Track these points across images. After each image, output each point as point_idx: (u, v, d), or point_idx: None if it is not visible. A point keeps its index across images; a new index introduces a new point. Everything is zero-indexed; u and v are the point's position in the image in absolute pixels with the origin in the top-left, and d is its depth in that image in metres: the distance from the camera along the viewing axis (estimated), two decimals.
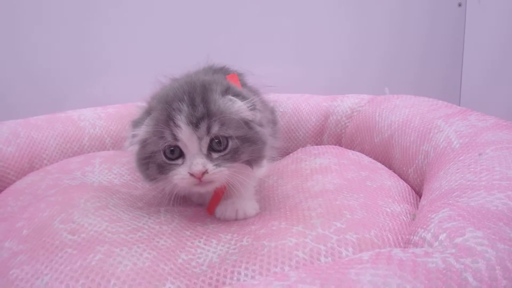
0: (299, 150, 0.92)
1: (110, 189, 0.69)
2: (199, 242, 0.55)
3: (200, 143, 0.56)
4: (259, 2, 1.37)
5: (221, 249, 0.54)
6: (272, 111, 0.89)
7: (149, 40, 1.27)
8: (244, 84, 0.80)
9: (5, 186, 0.81)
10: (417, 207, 0.67)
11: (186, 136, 0.55)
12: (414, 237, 0.42)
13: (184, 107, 0.56)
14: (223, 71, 0.82)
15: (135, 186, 0.75)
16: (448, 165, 0.57)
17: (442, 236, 0.37)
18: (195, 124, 0.55)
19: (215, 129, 0.56)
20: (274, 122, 0.84)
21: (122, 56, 1.26)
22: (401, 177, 0.78)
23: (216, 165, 0.56)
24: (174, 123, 0.55)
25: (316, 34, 1.45)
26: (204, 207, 0.69)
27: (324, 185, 0.68)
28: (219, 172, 0.57)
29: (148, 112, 0.60)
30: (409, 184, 0.75)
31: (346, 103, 1.04)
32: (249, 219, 0.62)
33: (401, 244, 0.52)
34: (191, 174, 0.56)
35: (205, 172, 0.55)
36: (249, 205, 0.65)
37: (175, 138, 0.56)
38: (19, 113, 0.96)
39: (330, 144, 1.01)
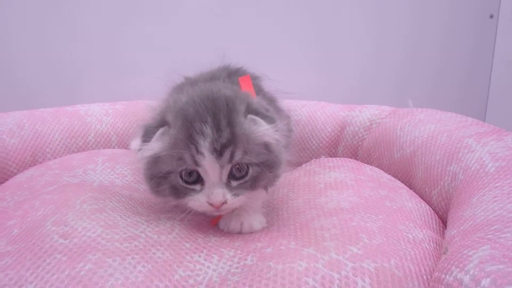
0: (312, 161, 0.86)
1: (110, 190, 0.65)
2: (199, 256, 0.50)
3: (221, 171, 0.52)
4: (276, 6, 1.32)
5: (223, 267, 0.49)
6: (288, 119, 0.84)
7: (161, 37, 1.24)
8: (260, 89, 0.76)
9: (6, 178, 0.78)
10: (441, 234, 0.62)
11: (208, 164, 0.50)
12: (447, 277, 0.36)
13: (208, 131, 0.50)
14: (239, 73, 0.77)
15: (136, 188, 0.71)
16: (482, 191, 0.51)
17: (485, 282, 0.31)
18: (219, 152, 0.50)
19: (238, 156, 0.51)
20: (289, 131, 0.79)
21: (132, 53, 1.23)
22: (422, 198, 0.72)
23: (234, 194, 0.53)
24: (197, 149, 0.50)
25: (336, 41, 1.40)
26: (206, 215, 0.65)
27: (339, 203, 0.63)
28: (238, 201, 0.53)
29: (161, 123, 0.53)
30: (431, 207, 0.69)
31: (365, 114, 0.98)
32: (255, 235, 0.57)
33: (425, 277, 0.46)
34: (210, 203, 0.52)
35: (224, 202, 0.52)
36: (255, 218, 0.60)
37: (196, 163, 0.50)
38: (26, 105, 0.93)
39: (345, 157, 0.96)
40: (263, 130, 0.53)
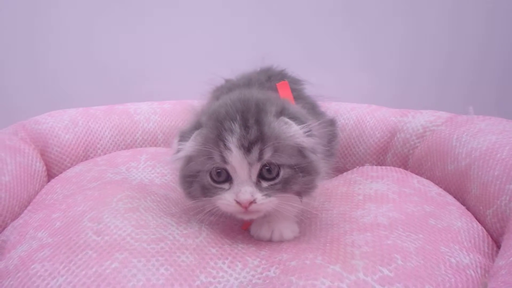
0: (355, 169, 0.82)
1: (147, 189, 0.67)
2: (223, 263, 0.50)
3: (250, 169, 0.51)
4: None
5: (245, 276, 0.48)
6: (332, 123, 0.81)
7: (208, 38, 1.25)
8: (300, 94, 0.73)
9: (60, 171, 0.84)
10: (493, 260, 0.56)
11: (236, 160, 0.51)
12: None
13: (236, 128, 0.51)
14: (280, 75, 0.76)
15: (174, 188, 0.72)
16: None
17: None
18: (246, 148, 0.50)
19: (267, 155, 0.51)
20: (334, 136, 0.76)
21: (180, 53, 1.26)
22: (476, 217, 0.65)
23: (265, 195, 0.52)
24: (225, 144, 0.51)
25: (389, 40, 1.31)
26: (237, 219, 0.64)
27: (376, 217, 0.59)
28: (268, 203, 0.52)
29: (196, 127, 0.55)
30: (485, 228, 0.63)
31: (418, 120, 0.91)
32: (283, 245, 0.56)
33: None
34: (238, 202, 0.51)
35: (252, 201, 0.51)
36: (287, 227, 0.59)
37: (224, 160, 0.51)
38: (80, 104, 0.99)
39: (394, 165, 0.90)
40: (293, 131, 0.53)
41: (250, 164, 0.51)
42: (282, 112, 0.54)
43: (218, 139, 0.51)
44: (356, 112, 0.99)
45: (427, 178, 0.80)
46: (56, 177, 0.79)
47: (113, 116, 0.96)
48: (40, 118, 0.87)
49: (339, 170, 0.89)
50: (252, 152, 0.50)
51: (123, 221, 0.54)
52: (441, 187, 0.76)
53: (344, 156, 0.95)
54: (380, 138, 0.93)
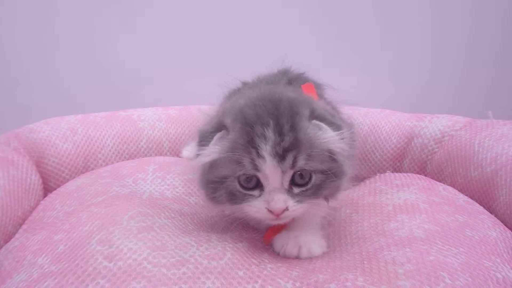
0: (377, 177, 0.78)
1: (159, 204, 0.61)
2: None
3: (283, 177, 0.48)
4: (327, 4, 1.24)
5: None
6: (350, 128, 0.77)
7: (215, 40, 1.21)
8: (321, 99, 0.69)
9: (58, 184, 0.77)
10: None
11: (269, 168, 0.47)
12: None
13: (270, 134, 0.47)
14: (300, 79, 0.72)
15: (187, 201, 0.67)
16: None
17: None
18: (281, 156, 0.47)
19: (301, 162, 0.48)
20: (352, 141, 0.72)
21: (186, 57, 1.21)
22: (506, 226, 0.62)
23: (297, 201, 0.49)
24: (257, 152, 0.47)
25: (401, 42, 1.29)
26: (259, 234, 0.60)
27: (411, 230, 0.55)
28: (299, 209, 0.49)
29: (218, 127, 0.51)
30: None
31: (435, 125, 0.88)
32: (316, 262, 0.51)
33: None
34: (269, 210, 0.48)
35: (285, 209, 0.48)
36: (314, 242, 0.55)
37: (256, 168, 0.48)
38: (81, 110, 0.92)
39: (411, 171, 0.87)
40: (328, 137, 0.50)
41: (283, 172, 0.48)
42: (313, 113, 0.51)
43: (249, 145, 0.48)
44: (370, 117, 0.96)
45: (449, 184, 0.76)
46: (54, 191, 0.72)
47: (115, 123, 0.89)
48: (35, 126, 0.80)
49: (358, 178, 0.85)
50: (286, 160, 0.47)
51: (137, 242, 0.48)
52: (465, 194, 0.72)
53: (360, 163, 0.91)
54: (396, 143, 0.90)
